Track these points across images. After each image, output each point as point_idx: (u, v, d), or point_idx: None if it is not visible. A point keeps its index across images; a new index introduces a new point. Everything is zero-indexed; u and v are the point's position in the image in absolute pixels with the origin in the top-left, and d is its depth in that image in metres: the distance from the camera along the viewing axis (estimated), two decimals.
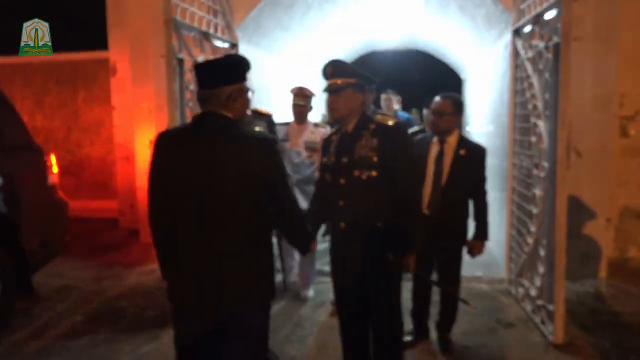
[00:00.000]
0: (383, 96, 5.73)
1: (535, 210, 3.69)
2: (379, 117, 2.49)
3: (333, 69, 2.47)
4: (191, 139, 2.00)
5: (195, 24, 3.99)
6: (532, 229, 3.75)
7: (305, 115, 4.16)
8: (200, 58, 4.06)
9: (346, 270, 2.51)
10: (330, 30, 6.56)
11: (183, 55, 3.79)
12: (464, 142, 3.19)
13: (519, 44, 4.07)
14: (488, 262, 5.20)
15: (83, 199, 7.36)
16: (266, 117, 3.00)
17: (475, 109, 6.92)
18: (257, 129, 2.91)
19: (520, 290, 4.09)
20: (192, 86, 3.95)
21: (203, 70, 2.06)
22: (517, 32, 4.11)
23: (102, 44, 6.66)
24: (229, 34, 4.64)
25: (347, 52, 8.54)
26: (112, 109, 6.62)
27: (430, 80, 10.35)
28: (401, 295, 2.59)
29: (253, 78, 5.57)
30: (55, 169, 4.20)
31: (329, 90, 2.49)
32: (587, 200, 4.46)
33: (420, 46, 8.70)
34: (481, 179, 3.16)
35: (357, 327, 2.62)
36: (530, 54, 3.81)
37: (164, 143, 2.02)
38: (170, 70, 3.61)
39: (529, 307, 3.87)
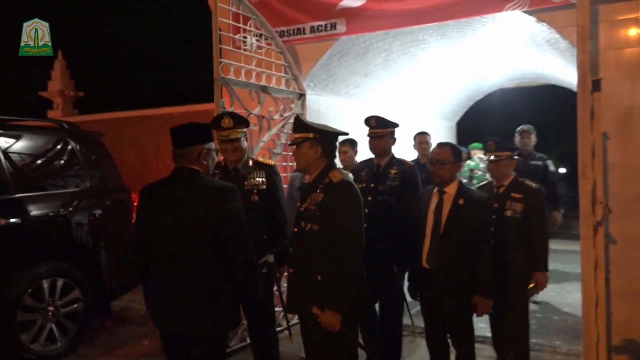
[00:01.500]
0: (417, 138, 5.61)
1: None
2: (333, 173, 2.67)
3: (294, 125, 2.83)
4: (163, 189, 2.61)
5: (253, 80, 4.70)
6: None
7: None
8: (257, 110, 4.75)
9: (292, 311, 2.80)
10: (422, 74, 6.77)
11: (234, 109, 4.51)
12: (464, 192, 3.22)
13: None
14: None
15: None
16: (267, 167, 3.44)
17: None
18: (257, 179, 3.38)
19: None
20: None
21: (177, 133, 2.63)
22: None
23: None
24: (297, 85, 5.26)
25: (460, 91, 8.53)
26: None
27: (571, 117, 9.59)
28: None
29: (333, 124, 6.03)
30: None
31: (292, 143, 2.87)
32: None
33: (552, 81, 8.27)
34: (480, 229, 3.15)
35: None
36: None
37: (145, 192, 2.65)
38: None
39: None
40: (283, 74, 5.09)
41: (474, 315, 3.25)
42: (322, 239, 2.58)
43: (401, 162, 3.88)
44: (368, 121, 3.89)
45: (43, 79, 9.61)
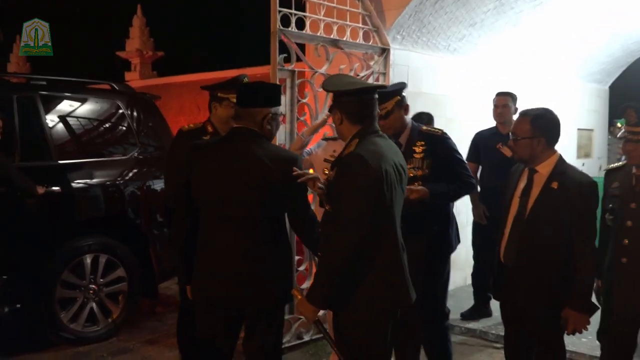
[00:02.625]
0: (494, 99, 4.89)
1: None
2: (351, 142, 2.49)
3: None
4: (221, 148, 2.70)
5: (321, 33, 4.55)
6: None
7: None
8: (325, 68, 4.58)
9: None
10: (552, 21, 6.16)
11: (295, 67, 4.40)
12: (560, 172, 2.77)
13: None
14: None
15: None
16: None
17: None
18: None
19: None
20: (307, 99, 4.54)
21: (243, 91, 2.74)
22: None
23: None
24: (378, 38, 5.03)
25: (611, 45, 7.63)
26: None
27: None
28: None
29: (426, 84, 5.67)
30: None
31: None
32: None
33: None
34: (579, 222, 2.69)
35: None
36: None
37: (197, 150, 2.73)
38: (275, 83, 4.24)
39: None
40: (360, 25, 4.74)
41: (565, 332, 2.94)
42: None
43: (425, 133, 3.45)
44: None
45: (122, 39, 10.27)
